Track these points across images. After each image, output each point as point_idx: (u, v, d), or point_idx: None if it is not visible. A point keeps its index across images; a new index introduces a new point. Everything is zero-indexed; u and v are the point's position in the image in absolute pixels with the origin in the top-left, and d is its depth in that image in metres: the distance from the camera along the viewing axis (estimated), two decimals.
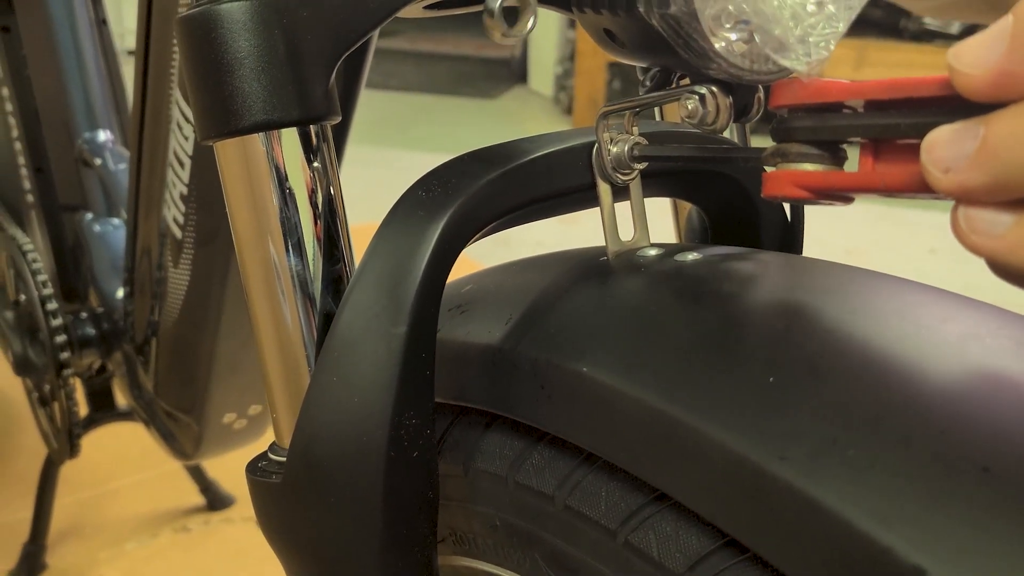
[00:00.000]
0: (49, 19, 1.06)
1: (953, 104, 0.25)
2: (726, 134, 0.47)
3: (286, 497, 0.36)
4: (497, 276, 0.43)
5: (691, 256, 0.37)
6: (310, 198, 0.37)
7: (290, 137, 0.36)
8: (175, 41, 0.63)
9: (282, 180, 0.37)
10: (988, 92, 0.24)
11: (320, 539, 0.36)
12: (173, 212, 0.70)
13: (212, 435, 0.86)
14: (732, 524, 0.28)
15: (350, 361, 0.34)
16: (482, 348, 0.37)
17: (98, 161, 1.05)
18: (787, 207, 0.44)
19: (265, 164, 0.36)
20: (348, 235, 0.39)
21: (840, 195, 0.30)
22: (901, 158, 0.27)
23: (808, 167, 0.30)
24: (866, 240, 2.37)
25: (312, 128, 0.37)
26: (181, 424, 0.88)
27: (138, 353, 0.91)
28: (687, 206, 0.48)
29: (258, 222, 0.37)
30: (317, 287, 0.37)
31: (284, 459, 0.37)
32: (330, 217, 0.38)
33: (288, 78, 0.35)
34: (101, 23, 1.12)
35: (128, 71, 1.18)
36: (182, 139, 0.64)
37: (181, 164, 0.66)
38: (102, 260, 1.04)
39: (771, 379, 0.29)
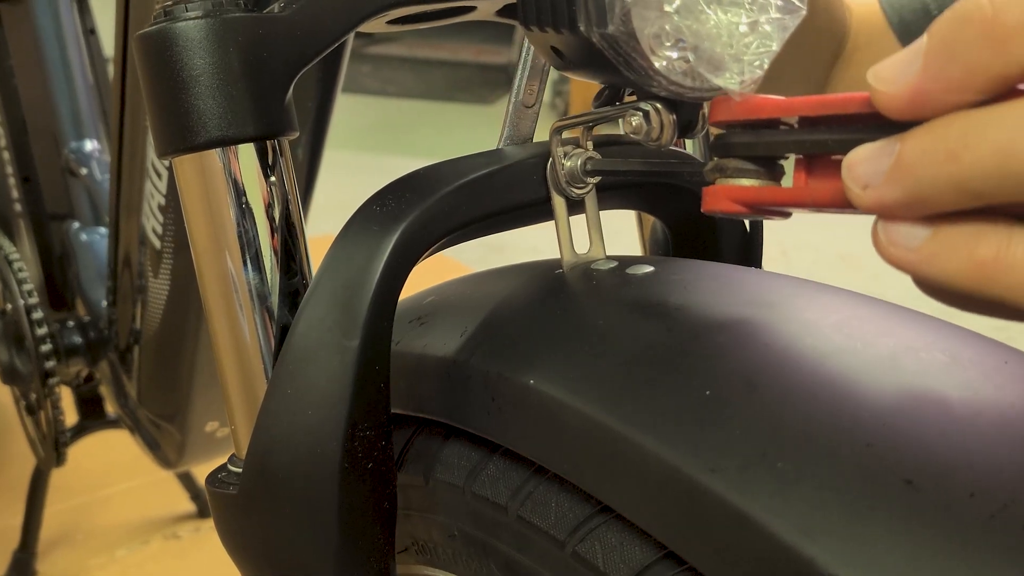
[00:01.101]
0: (36, 29, 1.06)
1: (878, 121, 0.26)
2: (689, 146, 0.47)
3: (243, 508, 0.37)
4: (458, 288, 0.44)
5: (643, 270, 0.37)
6: (267, 212, 0.38)
7: (247, 152, 0.37)
8: None
9: (239, 195, 0.37)
10: (904, 110, 0.24)
11: (276, 550, 0.37)
12: (152, 223, 0.70)
13: (195, 443, 0.86)
14: (669, 535, 0.29)
15: (304, 374, 0.35)
16: (438, 360, 0.38)
17: (84, 171, 1.05)
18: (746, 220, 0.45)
19: (222, 180, 0.37)
20: (306, 248, 0.39)
21: (777, 210, 0.30)
22: (831, 174, 0.28)
23: (745, 182, 0.30)
24: (860, 246, 2.38)
25: (269, 143, 0.37)
26: (164, 432, 0.88)
27: (121, 361, 0.92)
28: (651, 218, 0.49)
29: (216, 237, 0.37)
30: (274, 300, 0.38)
31: (241, 470, 0.37)
32: (287, 231, 0.38)
33: (244, 95, 0.36)
34: (89, 32, 1.13)
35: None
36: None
37: (158, 175, 0.66)
38: (89, 269, 1.05)
39: (707, 392, 0.29)
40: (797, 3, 0.31)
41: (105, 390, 1.09)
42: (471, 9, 0.46)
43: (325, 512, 0.35)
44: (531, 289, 0.39)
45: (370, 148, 3.39)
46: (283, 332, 0.38)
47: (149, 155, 0.67)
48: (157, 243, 0.71)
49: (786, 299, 0.34)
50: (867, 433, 0.26)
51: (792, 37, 0.59)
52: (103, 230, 1.07)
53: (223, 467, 0.39)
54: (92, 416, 1.24)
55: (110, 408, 1.24)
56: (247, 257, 0.37)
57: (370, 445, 0.35)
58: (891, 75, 0.24)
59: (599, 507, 0.33)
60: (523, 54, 0.42)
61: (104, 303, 0.99)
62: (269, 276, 0.38)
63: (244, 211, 0.37)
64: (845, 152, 0.26)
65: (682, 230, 0.45)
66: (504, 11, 0.47)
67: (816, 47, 0.64)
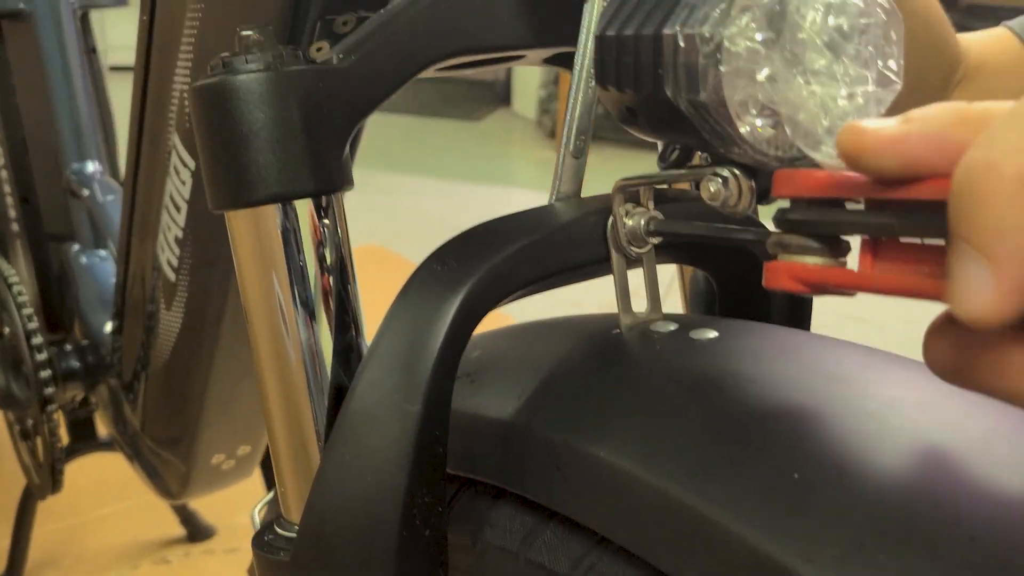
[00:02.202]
0: (39, 47, 1.05)
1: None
2: None
3: (295, 575, 0.36)
4: (506, 342, 0.43)
5: (708, 335, 0.37)
6: (322, 268, 0.37)
7: (303, 207, 0.36)
8: (175, 82, 0.62)
9: (294, 251, 0.36)
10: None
11: None
12: (167, 255, 0.69)
13: (200, 475, 0.85)
14: None
15: (364, 437, 0.34)
16: (494, 422, 0.37)
17: (86, 192, 1.04)
18: None
19: (277, 235, 0.36)
20: (359, 305, 0.38)
21: (840, 290, 0.29)
22: (900, 258, 0.27)
23: (808, 260, 0.29)
24: (879, 310, 2.27)
25: (325, 198, 0.36)
26: (167, 463, 0.86)
27: (126, 390, 0.90)
28: (692, 269, 0.48)
29: (269, 292, 0.36)
30: (328, 359, 0.37)
31: (293, 535, 0.36)
32: (342, 287, 0.38)
33: (303, 150, 0.35)
34: (91, 51, 1.11)
35: (112, 89, 1.17)
36: (179, 183, 0.64)
37: (177, 208, 0.65)
38: (89, 292, 1.03)
39: (795, 475, 0.28)
40: (892, 77, 0.30)
41: (101, 414, 1.08)
42: (520, 57, 0.45)
43: None
44: (589, 350, 0.38)
45: (358, 163, 3.39)
46: (337, 392, 0.37)
47: (168, 187, 0.66)
48: (172, 276, 0.69)
49: (860, 372, 0.33)
50: (969, 526, 0.26)
51: (930, 31, 0.60)
52: (103, 253, 1.06)
53: (270, 528, 0.38)
54: (83, 438, 1.22)
55: (102, 429, 1.22)
56: (301, 314, 0.37)
57: (428, 511, 0.34)
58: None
59: None
60: (571, 104, 0.41)
61: (106, 328, 0.97)
62: (323, 334, 0.37)
63: (299, 267, 0.36)
64: (914, 235, 0.25)
65: (732, 287, 0.44)
66: (553, 59, 0.46)
67: (922, 77, 0.64)
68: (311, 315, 0.37)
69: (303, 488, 0.36)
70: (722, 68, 0.31)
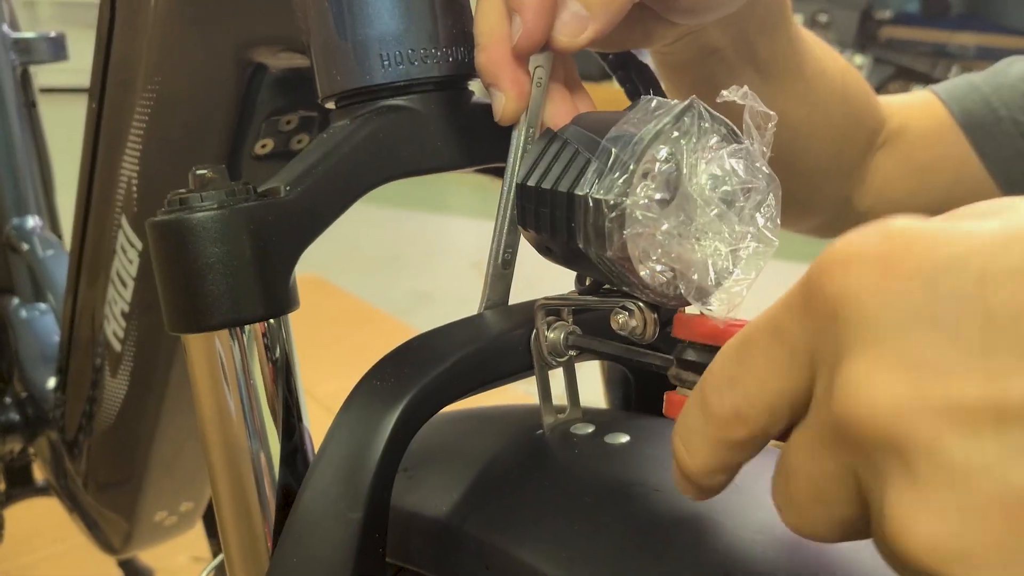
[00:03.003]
0: None
1: None
2: None
3: None
4: (441, 436, 0.46)
5: (620, 439, 0.41)
6: (272, 384, 0.40)
7: (254, 328, 0.39)
8: (123, 168, 0.65)
9: (246, 369, 0.39)
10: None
11: None
12: (113, 326, 0.71)
13: (142, 531, 0.87)
14: None
15: (309, 544, 0.37)
16: (429, 520, 0.41)
17: (26, 247, 1.05)
18: None
19: (230, 355, 0.39)
20: (305, 416, 0.42)
21: None
22: None
23: None
24: None
25: (274, 321, 0.40)
26: (109, 520, 0.88)
27: (68, 446, 0.92)
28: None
29: (223, 407, 0.40)
30: (276, 465, 0.40)
31: None
32: (289, 397, 0.41)
33: (254, 279, 0.38)
34: (31, 106, 1.13)
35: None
36: (126, 261, 0.66)
37: (124, 284, 0.68)
38: (29, 346, 1.04)
39: None
40: (771, 237, 0.35)
41: (39, 464, 1.09)
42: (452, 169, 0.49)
43: None
44: (515, 451, 0.42)
45: None
46: (284, 495, 0.40)
47: (115, 264, 0.68)
48: (118, 346, 0.72)
49: (755, 479, 0.38)
50: None
51: (824, 130, 0.64)
52: (43, 306, 1.07)
53: None
54: (19, 484, 1.22)
55: (38, 474, 1.23)
56: (251, 425, 0.40)
57: None
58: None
59: None
60: (499, 220, 0.45)
61: (48, 383, 0.98)
62: (272, 442, 0.40)
63: (250, 383, 0.40)
64: None
65: (647, 381, 0.49)
66: (484, 168, 0.50)
67: (845, 145, 0.68)
68: (261, 426, 0.40)
69: None
70: (626, 231, 0.35)
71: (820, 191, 0.70)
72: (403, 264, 3.10)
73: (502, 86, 0.41)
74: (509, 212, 0.44)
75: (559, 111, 0.42)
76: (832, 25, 4.53)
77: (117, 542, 0.90)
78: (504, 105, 0.41)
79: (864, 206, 0.72)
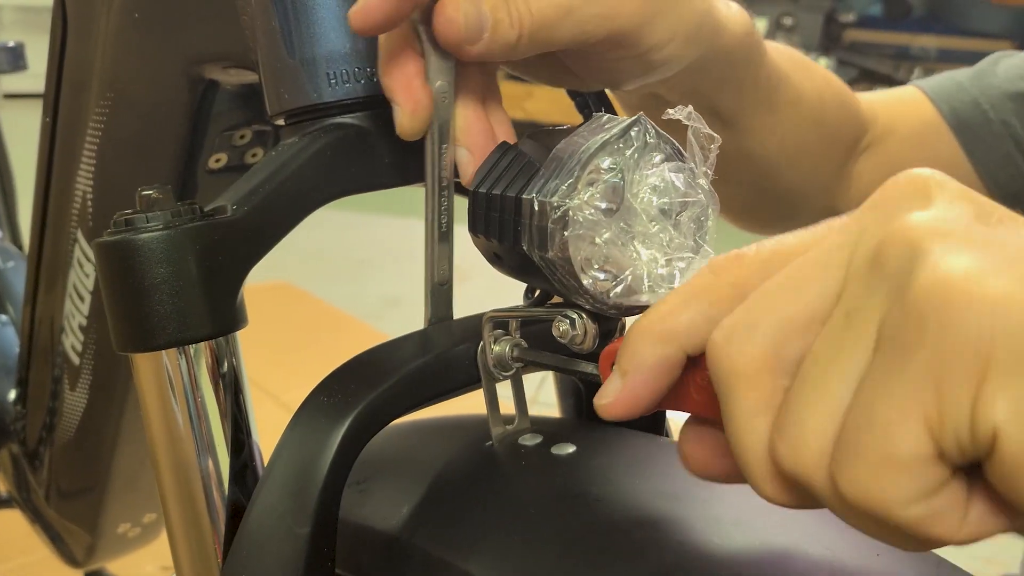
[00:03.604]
0: None
1: None
2: None
3: None
4: (391, 448, 0.47)
5: (567, 449, 0.42)
6: (221, 401, 0.41)
7: (202, 346, 0.40)
8: (78, 182, 0.65)
9: (194, 387, 0.40)
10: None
11: None
12: (71, 340, 0.71)
13: (105, 544, 0.87)
14: None
15: (258, 560, 0.38)
16: (379, 534, 0.41)
17: None
18: None
19: (178, 374, 0.40)
20: (255, 433, 0.42)
21: None
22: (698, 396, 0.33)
23: None
24: None
25: (222, 339, 0.40)
26: (72, 532, 0.88)
27: (29, 458, 0.91)
28: None
29: (172, 424, 0.40)
30: (226, 482, 0.41)
31: None
32: (238, 413, 0.41)
33: (200, 298, 0.39)
34: None
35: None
36: (83, 275, 0.66)
37: (81, 298, 0.68)
38: None
39: None
40: (707, 248, 0.36)
41: (2, 477, 1.08)
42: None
43: None
44: (464, 463, 0.43)
45: None
46: (234, 509, 0.41)
47: (71, 277, 0.68)
48: (76, 359, 0.72)
49: (694, 486, 0.39)
50: None
51: (797, 155, 0.64)
52: (4, 318, 1.06)
53: None
54: None
55: (1, 487, 1.22)
56: (201, 442, 0.40)
57: None
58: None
59: None
60: (429, 240, 0.45)
61: (9, 395, 0.98)
62: (221, 458, 0.41)
63: (199, 400, 0.40)
64: None
65: (596, 390, 0.49)
66: None
67: (825, 151, 0.68)
68: (211, 443, 0.40)
69: None
70: (567, 232, 0.36)
71: (798, 205, 0.70)
72: (371, 269, 3.10)
73: (396, 99, 0.41)
74: (436, 230, 0.44)
75: (472, 128, 0.42)
76: (797, 28, 4.57)
77: (80, 555, 0.90)
78: (399, 119, 0.41)
79: (848, 211, 0.72)
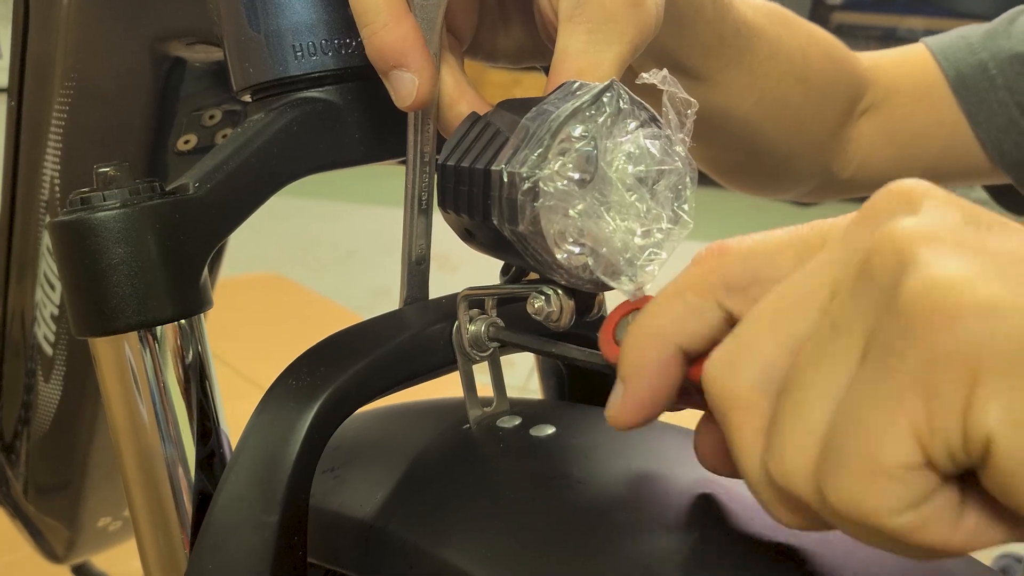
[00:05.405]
0: None
1: None
2: None
3: None
4: (365, 432, 0.46)
5: (546, 431, 0.40)
6: (184, 387, 0.39)
7: (165, 329, 0.38)
8: (45, 167, 0.63)
9: (157, 372, 0.38)
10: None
11: None
12: (44, 330, 0.69)
13: (85, 538, 0.85)
14: None
15: (225, 550, 0.36)
16: (355, 522, 0.40)
17: None
18: None
19: (140, 358, 0.38)
20: (222, 419, 0.41)
21: None
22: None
23: None
24: None
25: (186, 322, 0.39)
26: (51, 527, 0.86)
27: (6, 452, 0.90)
28: None
29: (135, 411, 0.38)
30: (192, 471, 0.39)
31: None
32: (203, 399, 0.40)
33: (162, 279, 0.37)
34: None
35: None
36: (54, 263, 0.65)
37: (52, 287, 0.66)
38: None
39: None
40: (686, 218, 0.34)
41: None
42: None
43: None
44: (441, 446, 0.41)
45: None
46: (201, 497, 0.39)
47: (42, 266, 0.67)
48: (49, 351, 0.70)
49: (675, 467, 0.37)
50: None
51: (779, 113, 0.62)
52: None
53: None
54: None
55: None
56: (165, 429, 0.39)
57: None
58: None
59: None
60: (407, 217, 0.43)
61: None
62: (187, 445, 0.39)
63: (162, 385, 0.38)
64: None
65: (579, 372, 0.48)
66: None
67: (810, 114, 0.66)
68: (176, 431, 0.39)
69: None
70: (537, 204, 0.34)
71: (790, 166, 0.68)
72: (360, 259, 3.08)
73: (414, 66, 0.38)
74: (415, 207, 0.43)
75: (462, 98, 0.41)
76: None
77: (60, 549, 0.88)
78: (418, 87, 0.38)
79: (846, 175, 0.70)
